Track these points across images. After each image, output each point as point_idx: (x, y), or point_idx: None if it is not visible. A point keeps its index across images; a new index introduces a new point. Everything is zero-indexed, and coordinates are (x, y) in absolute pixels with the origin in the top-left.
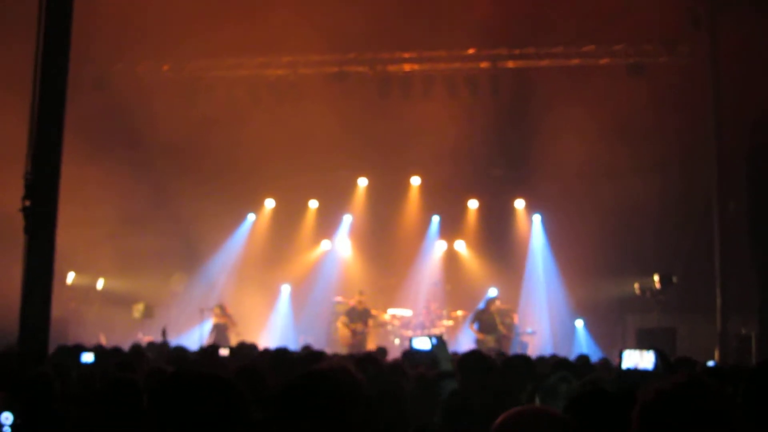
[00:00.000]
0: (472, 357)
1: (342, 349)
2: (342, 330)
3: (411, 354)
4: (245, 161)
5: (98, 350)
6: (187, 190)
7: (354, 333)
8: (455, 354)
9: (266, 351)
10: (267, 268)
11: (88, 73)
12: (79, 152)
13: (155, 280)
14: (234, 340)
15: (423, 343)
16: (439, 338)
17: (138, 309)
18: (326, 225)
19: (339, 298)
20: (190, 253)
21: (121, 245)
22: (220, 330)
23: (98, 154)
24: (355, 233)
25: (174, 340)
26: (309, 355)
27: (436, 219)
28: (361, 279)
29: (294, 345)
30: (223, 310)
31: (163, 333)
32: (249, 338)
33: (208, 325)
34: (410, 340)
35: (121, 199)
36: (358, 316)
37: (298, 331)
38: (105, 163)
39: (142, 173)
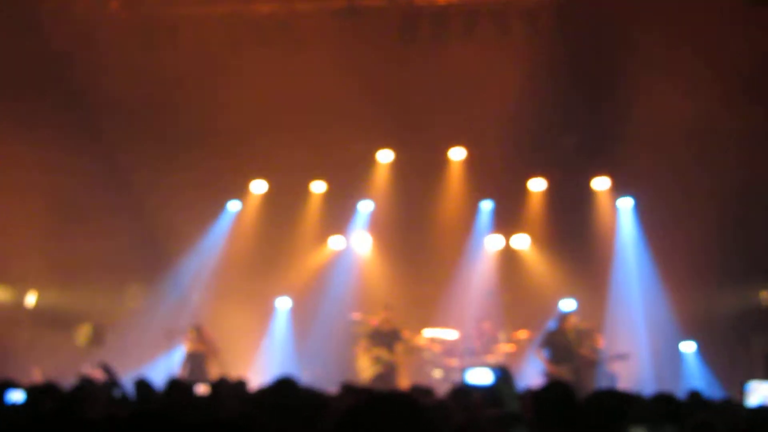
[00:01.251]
0: (552, 394)
1: (364, 380)
2: (362, 359)
3: (463, 392)
4: (225, 130)
5: (31, 388)
6: (147, 170)
7: (378, 363)
8: (526, 391)
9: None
10: (257, 276)
11: (7, 16)
12: None
13: (106, 293)
14: (215, 374)
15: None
16: (504, 370)
17: (83, 333)
18: (337, 215)
19: (357, 316)
20: (152, 257)
21: (58, 247)
22: (195, 360)
23: (25, 121)
24: (377, 226)
25: (131, 375)
26: (344, 392)
27: (487, 206)
28: (386, 289)
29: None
30: (199, 333)
31: (105, 370)
32: (235, 371)
33: (179, 353)
34: (462, 372)
35: (57, 183)
36: (384, 339)
37: (301, 361)
38: (34, 134)
39: (85, 147)
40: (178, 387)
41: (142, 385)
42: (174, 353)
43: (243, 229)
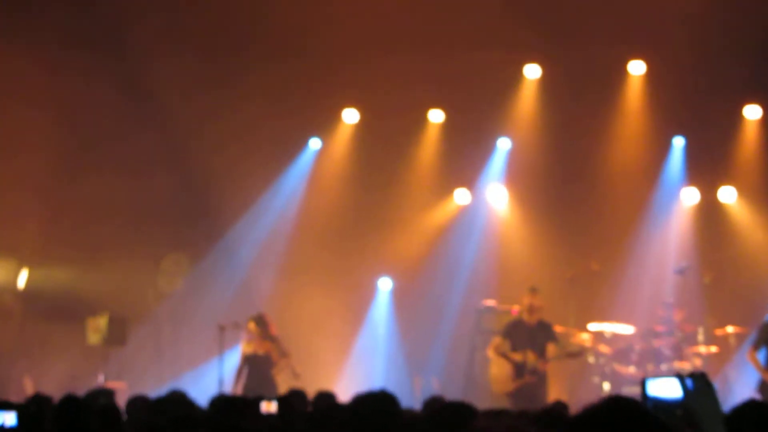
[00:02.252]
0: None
1: (498, 401)
2: (498, 365)
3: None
4: (303, 37)
5: (24, 406)
6: (193, 93)
7: (520, 370)
8: (734, 410)
9: (355, 410)
10: (347, 246)
11: None
12: None
13: (128, 271)
14: (285, 385)
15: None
16: (701, 377)
17: (97, 327)
18: (461, 159)
19: (489, 303)
20: (198, 219)
21: (62, 206)
22: (257, 364)
23: (23, 27)
24: (519, 174)
25: (165, 387)
26: None
27: (678, 143)
28: (531, 264)
29: (406, 394)
30: (262, 328)
31: (104, 393)
32: (315, 382)
33: (235, 355)
34: (642, 382)
35: (64, 108)
36: (528, 337)
37: (410, 368)
38: (35, 48)
39: (106, 63)
40: (231, 405)
41: (180, 403)
42: (228, 355)
43: (328, 180)
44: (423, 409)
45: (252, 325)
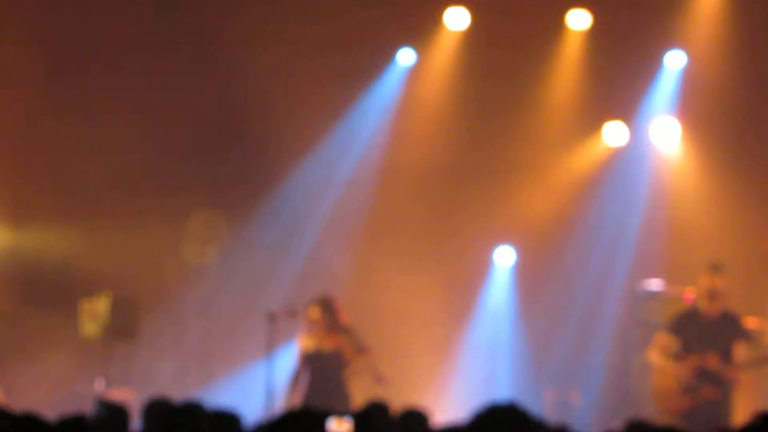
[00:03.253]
0: None
1: (665, 417)
2: (663, 373)
3: None
4: None
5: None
6: None
7: (696, 381)
8: None
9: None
10: (450, 204)
11: None
12: None
13: (140, 237)
14: (362, 393)
15: None
16: None
17: (94, 313)
18: (626, 82)
19: (653, 286)
20: (241, 165)
21: (46, 145)
22: (323, 365)
23: None
24: (698, 103)
25: (194, 395)
26: None
27: None
28: (715, 232)
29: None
30: (329, 313)
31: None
32: (401, 393)
33: (291, 354)
34: None
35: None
36: (709, 334)
37: (538, 376)
38: None
39: None
40: (287, 423)
41: (219, 419)
42: (283, 353)
43: (424, 111)
44: None
45: (315, 312)
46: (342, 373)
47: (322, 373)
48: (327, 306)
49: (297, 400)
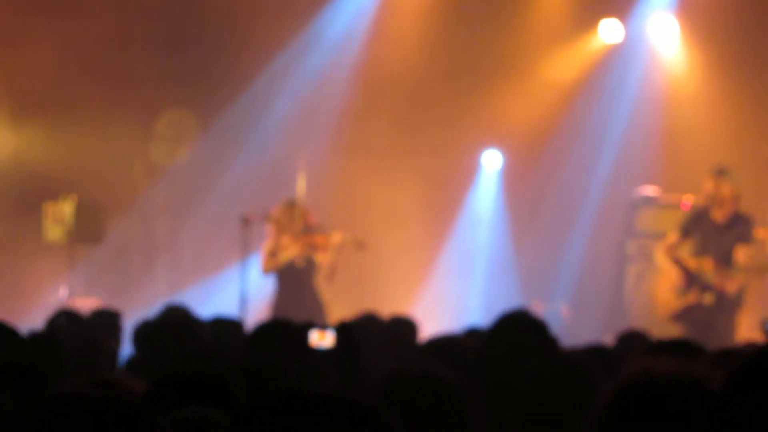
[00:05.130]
0: None
1: (661, 330)
2: (667, 278)
3: None
4: None
5: None
6: None
7: (696, 286)
8: None
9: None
10: (435, 105)
11: None
12: None
13: (105, 135)
14: (339, 307)
15: None
16: None
17: (58, 216)
18: None
19: (649, 192)
20: (210, 57)
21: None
22: (297, 276)
23: None
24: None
25: (161, 304)
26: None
27: None
28: (716, 136)
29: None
30: (299, 217)
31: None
32: (388, 303)
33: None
34: None
35: None
36: (713, 239)
37: (527, 287)
38: None
39: None
40: (263, 335)
41: (183, 326)
42: (252, 263)
43: (404, 5)
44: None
45: (280, 215)
46: (314, 279)
47: (296, 282)
48: (293, 207)
49: (273, 312)
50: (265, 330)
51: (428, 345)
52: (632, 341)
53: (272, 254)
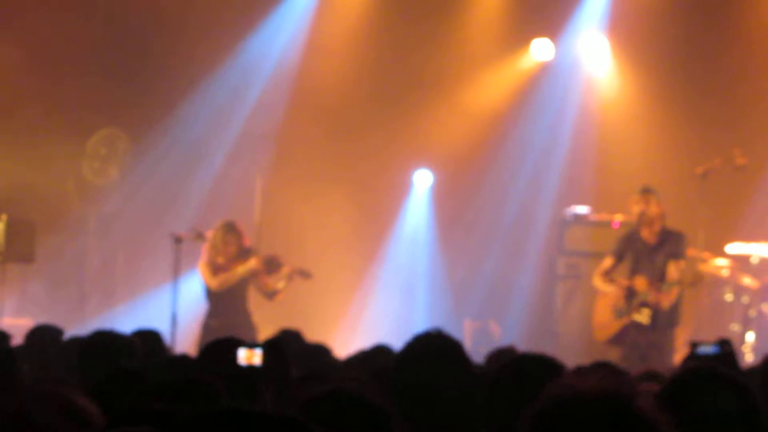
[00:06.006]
0: None
1: (601, 355)
2: (599, 299)
3: None
4: None
5: None
6: None
7: (630, 308)
8: None
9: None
10: (367, 126)
11: None
12: None
13: (37, 153)
14: (270, 323)
15: None
16: None
17: None
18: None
19: (580, 211)
20: (144, 79)
21: None
22: (226, 292)
23: None
24: (631, 18)
25: (91, 327)
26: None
27: None
28: (645, 156)
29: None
30: (233, 235)
31: None
32: (314, 326)
33: (195, 280)
34: None
35: None
36: (642, 259)
37: (457, 305)
38: None
39: None
40: (203, 353)
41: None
42: (185, 281)
43: (340, 26)
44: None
45: (218, 236)
46: (247, 300)
47: (225, 300)
48: (231, 230)
49: (209, 330)
50: (203, 349)
51: (345, 364)
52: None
53: (215, 271)
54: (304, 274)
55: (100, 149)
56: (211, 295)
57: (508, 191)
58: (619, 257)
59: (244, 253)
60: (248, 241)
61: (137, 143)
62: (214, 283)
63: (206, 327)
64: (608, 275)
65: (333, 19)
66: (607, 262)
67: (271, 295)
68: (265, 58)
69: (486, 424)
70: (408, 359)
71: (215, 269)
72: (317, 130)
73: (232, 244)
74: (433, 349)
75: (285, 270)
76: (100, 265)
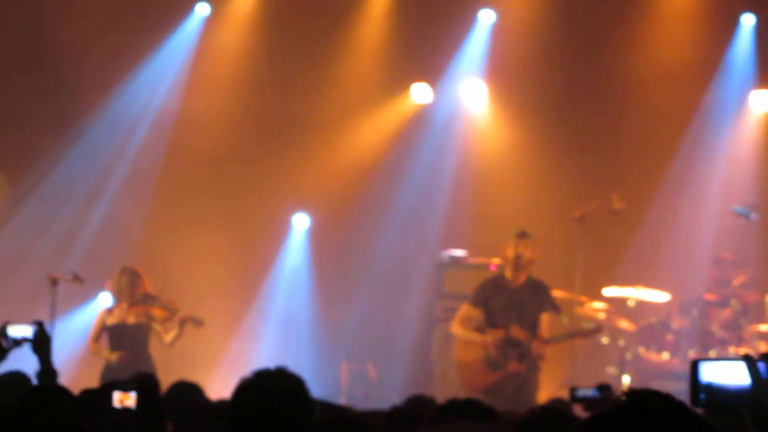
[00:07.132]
0: None
1: (468, 393)
2: (466, 347)
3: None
4: None
5: None
6: None
7: (504, 354)
8: None
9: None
10: (246, 168)
11: None
12: None
13: None
14: (167, 367)
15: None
16: None
17: None
18: (433, 41)
19: (457, 254)
20: (22, 115)
21: None
22: (128, 340)
23: None
24: (508, 64)
25: None
26: None
27: (748, 22)
28: (522, 199)
29: (330, 386)
30: (135, 281)
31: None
32: (200, 363)
33: (73, 323)
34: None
35: None
36: (513, 303)
37: (334, 348)
38: None
39: None
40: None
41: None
42: (60, 324)
43: (221, 69)
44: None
45: (122, 280)
46: (148, 345)
47: (128, 347)
48: (132, 276)
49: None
50: (67, 391)
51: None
52: (421, 403)
53: (102, 328)
54: (197, 322)
55: None
56: (111, 337)
57: (386, 234)
58: (481, 304)
59: (149, 300)
60: (149, 286)
61: (13, 182)
62: (90, 347)
63: (107, 369)
64: (467, 323)
65: (215, 60)
66: (467, 310)
67: (170, 345)
68: (148, 100)
69: None
70: (243, 396)
71: (112, 320)
72: (195, 172)
73: (136, 289)
74: (269, 384)
75: (177, 317)
76: None
